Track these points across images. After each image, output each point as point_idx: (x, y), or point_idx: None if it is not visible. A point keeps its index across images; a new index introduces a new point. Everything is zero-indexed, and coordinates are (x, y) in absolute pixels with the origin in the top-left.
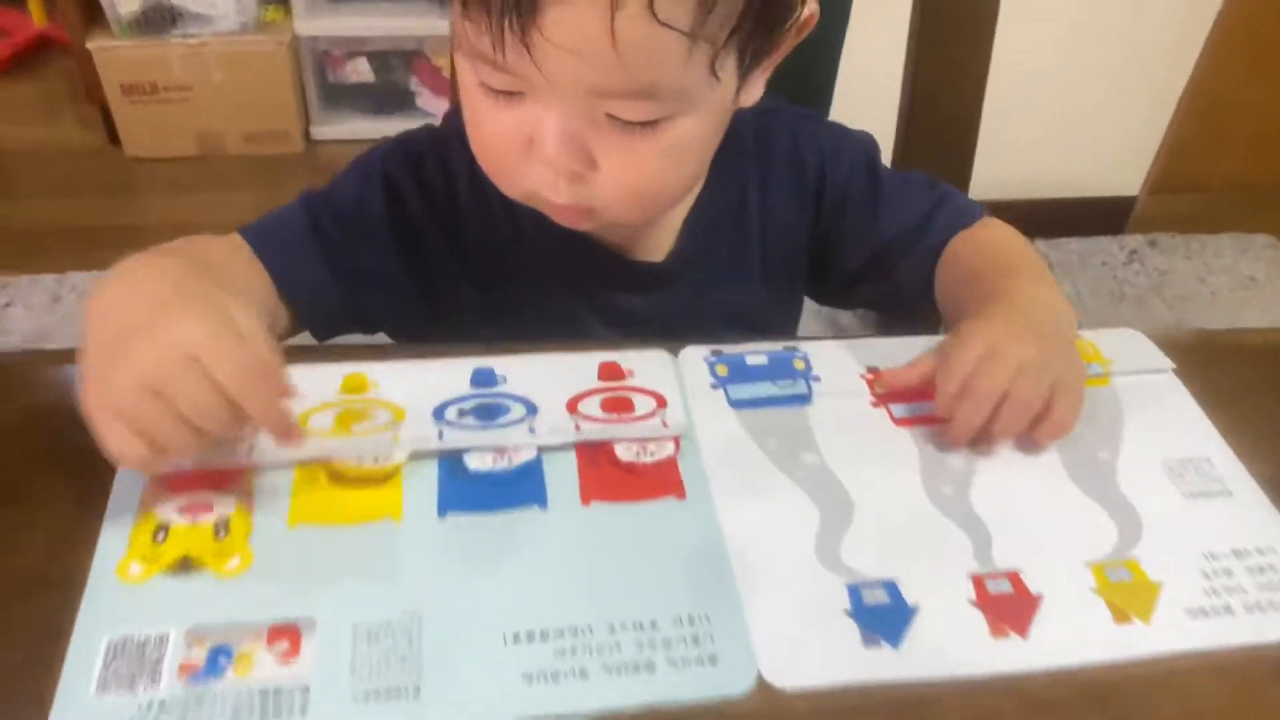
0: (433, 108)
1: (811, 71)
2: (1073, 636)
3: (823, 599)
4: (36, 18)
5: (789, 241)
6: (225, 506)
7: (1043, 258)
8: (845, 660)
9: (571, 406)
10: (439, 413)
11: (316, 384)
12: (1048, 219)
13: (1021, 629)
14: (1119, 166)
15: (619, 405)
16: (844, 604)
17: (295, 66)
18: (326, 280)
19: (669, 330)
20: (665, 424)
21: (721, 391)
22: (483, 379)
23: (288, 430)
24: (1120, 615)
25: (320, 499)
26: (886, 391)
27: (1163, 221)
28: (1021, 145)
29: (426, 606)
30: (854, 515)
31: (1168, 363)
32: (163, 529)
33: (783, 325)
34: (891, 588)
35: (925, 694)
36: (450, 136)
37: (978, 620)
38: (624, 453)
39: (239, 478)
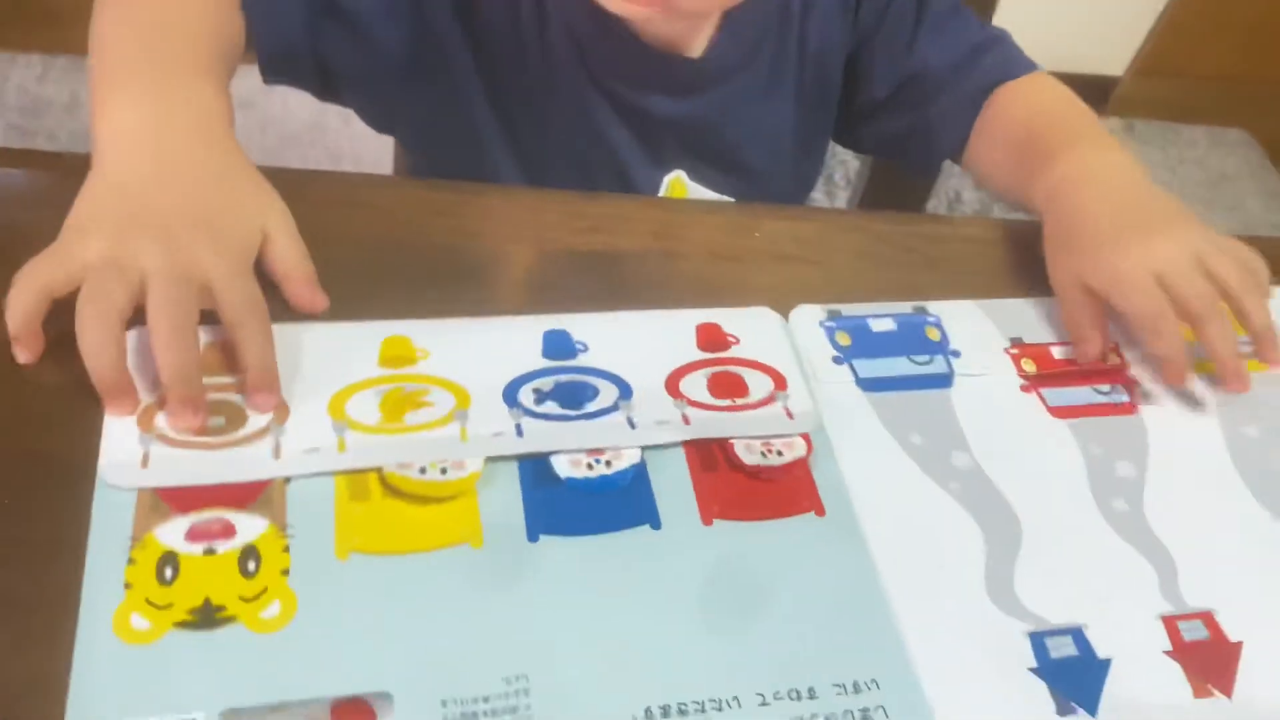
0: None
1: None
2: None
3: (1003, 653)
4: None
5: (827, 57)
6: (251, 529)
7: None
8: None
9: (672, 387)
10: (511, 394)
11: (349, 350)
12: None
13: (1225, 686)
14: (1107, 45)
15: (730, 386)
16: (1028, 659)
17: None
18: (293, 5)
19: (691, 144)
20: (790, 413)
21: (847, 368)
22: (558, 347)
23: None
24: None
25: (374, 518)
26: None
27: (1143, 105)
28: (1016, 14)
29: (532, 669)
30: (1023, 538)
31: None
32: (170, 560)
33: (812, 154)
34: (1079, 636)
35: None
36: None
37: (1176, 674)
38: (745, 453)
39: (263, 488)
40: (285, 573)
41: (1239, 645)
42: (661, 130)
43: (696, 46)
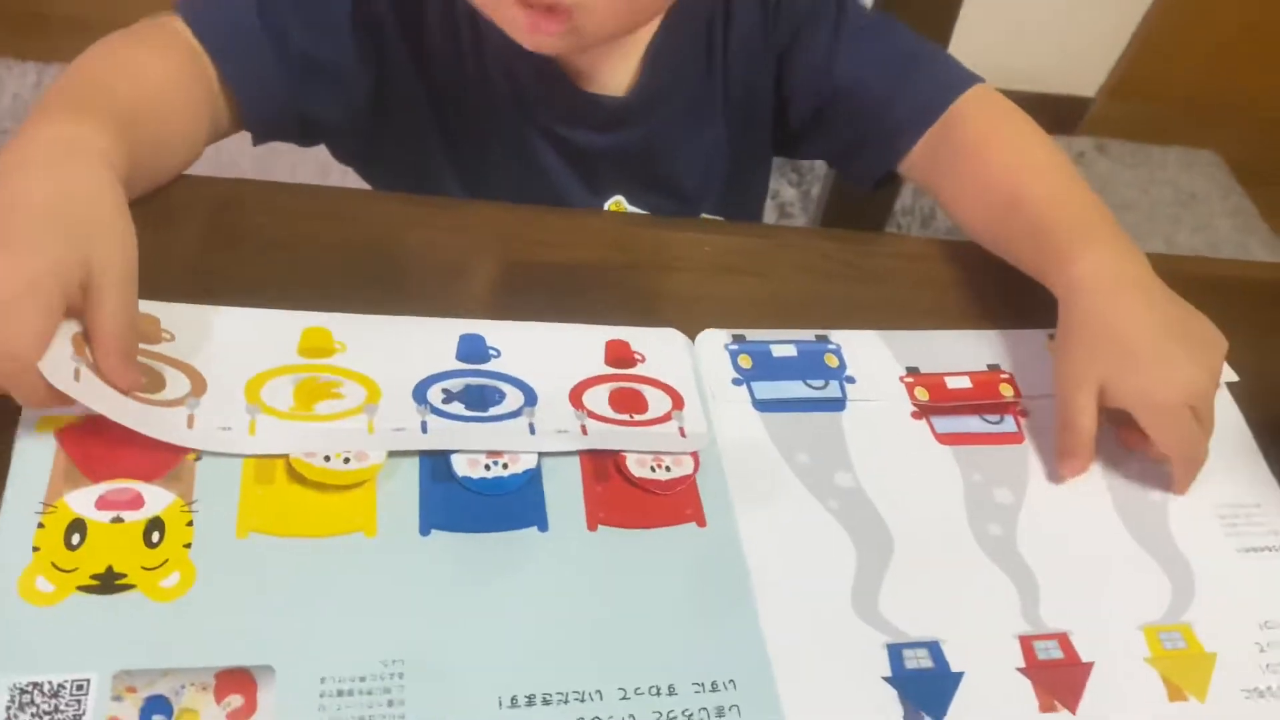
0: None
1: None
2: (1126, 715)
3: (860, 661)
4: None
5: (752, 80)
6: (159, 501)
7: None
8: None
9: (576, 398)
10: (421, 392)
11: (270, 337)
12: None
13: (1071, 703)
14: (1080, 67)
15: (631, 402)
16: (884, 668)
17: None
18: (272, 69)
19: (625, 172)
20: (683, 432)
21: (745, 389)
22: (472, 350)
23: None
24: (1175, 692)
25: (277, 501)
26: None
27: (1114, 126)
28: (987, 35)
29: (408, 654)
30: (893, 556)
31: (1229, 374)
32: (78, 526)
33: (749, 172)
34: (935, 649)
35: None
36: None
37: (1025, 691)
38: (636, 466)
39: (176, 463)
40: (187, 546)
41: (1089, 666)
42: (596, 161)
43: (621, 84)
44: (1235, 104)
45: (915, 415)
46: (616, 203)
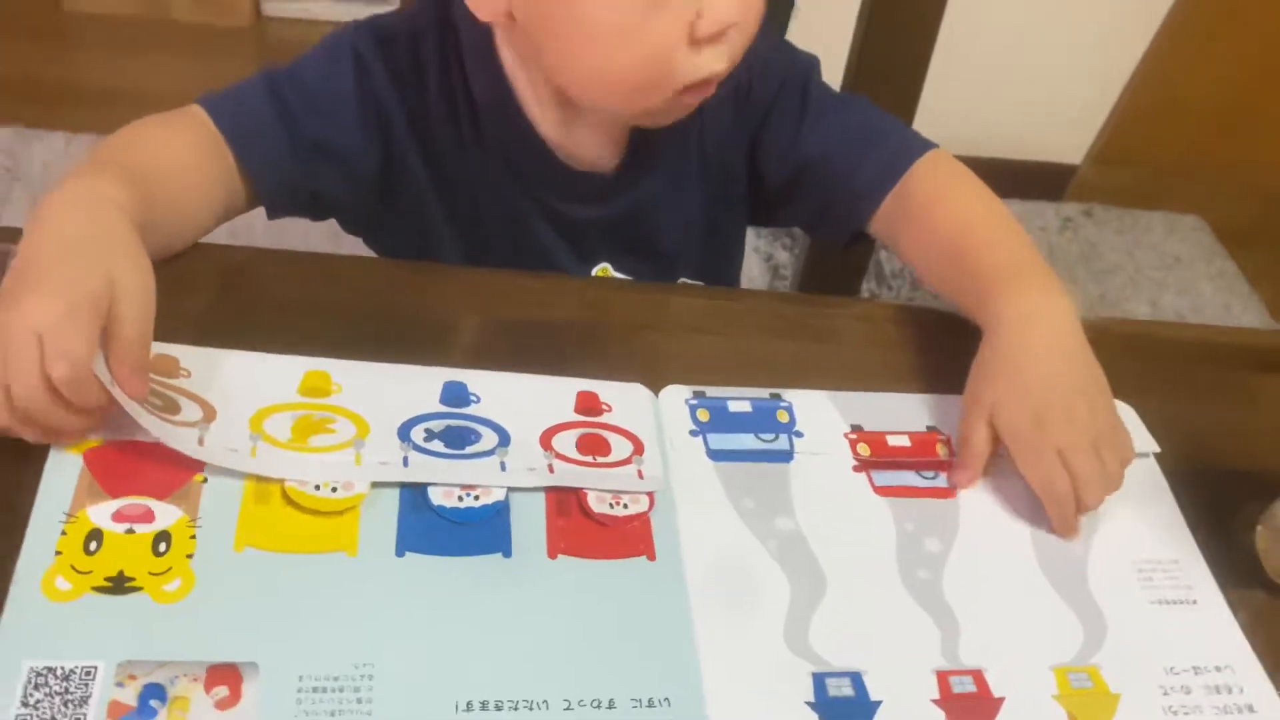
0: None
1: None
2: None
3: (787, 687)
4: None
5: (726, 154)
6: (168, 517)
7: None
8: None
9: (546, 440)
10: (405, 431)
11: (274, 378)
12: (991, 178)
13: None
14: (1066, 134)
15: (595, 445)
16: (808, 694)
17: None
18: (285, 153)
19: (611, 240)
20: (641, 474)
21: (701, 440)
22: (454, 395)
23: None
24: None
25: (271, 521)
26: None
27: (1100, 193)
28: (975, 103)
29: (378, 659)
30: (825, 594)
31: (1152, 444)
32: (95, 535)
33: (728, 238)
34: (857, 680)
35: None
36: (427, 26)
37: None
38: (596, 503)
39: (184, 483)
40: (190, 556)
41: (1000, 700)
42: (585, 230)
43: (608, 162)
44: (1219, 170)
45: (856, 469)
46: (603, 268)
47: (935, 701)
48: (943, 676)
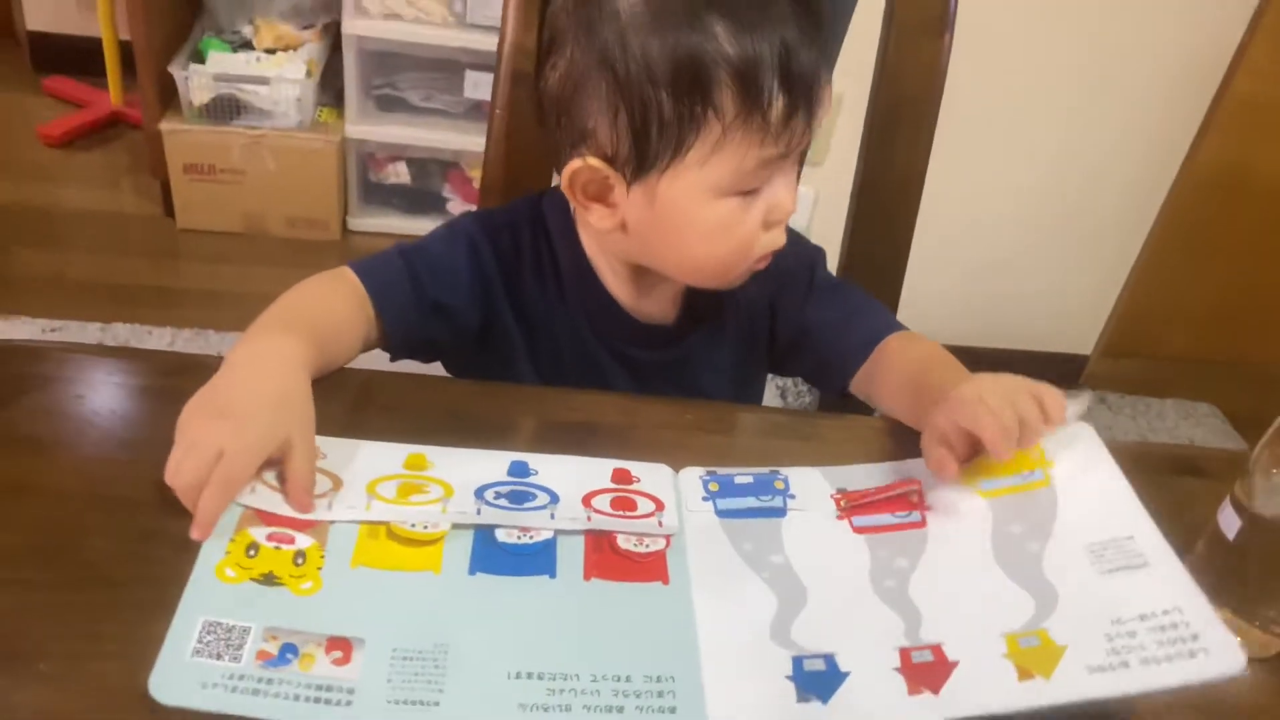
0: (461, 211)
1: None
2: (979, 692)
3: (769, 666)
4: (114, 97)
5: (755, 311)
6: (304, 542)
7: None
8: (781, 712)
9: (586, 500)
10: (480, 492)
11: (386, 458)
12: (1008, 368)
13: (935, 688)
14: (1073, 328)
15: (625, 504)
16: (787, 670)
17: (341, 163)
18: (411, 307)
19: (664, 378)
20: (661, 524)
21: (711, 504)
22: (518, 470)
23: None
24: (1024, 674)
25: (379, 549)
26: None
27: (1112, 382)
28: (988, 299)
29: (452, 641)
30: (806, 604)
31: (1112, 466)
32: (254, 547)
33: (751, 380)
34: (829, 659)
35: None
36: (521, 221)
37: (899, 683)
38: (624, 542)
39: (318, 523)
40: (320, 568)
41: (955, 663)
42: (644, 369)
43: (667, 317)
44: (1229, 360)
45: (839, 517)
46: None
47: (896, 669)
48: (905, 652)
